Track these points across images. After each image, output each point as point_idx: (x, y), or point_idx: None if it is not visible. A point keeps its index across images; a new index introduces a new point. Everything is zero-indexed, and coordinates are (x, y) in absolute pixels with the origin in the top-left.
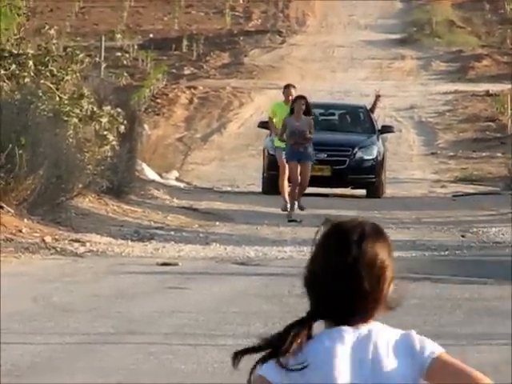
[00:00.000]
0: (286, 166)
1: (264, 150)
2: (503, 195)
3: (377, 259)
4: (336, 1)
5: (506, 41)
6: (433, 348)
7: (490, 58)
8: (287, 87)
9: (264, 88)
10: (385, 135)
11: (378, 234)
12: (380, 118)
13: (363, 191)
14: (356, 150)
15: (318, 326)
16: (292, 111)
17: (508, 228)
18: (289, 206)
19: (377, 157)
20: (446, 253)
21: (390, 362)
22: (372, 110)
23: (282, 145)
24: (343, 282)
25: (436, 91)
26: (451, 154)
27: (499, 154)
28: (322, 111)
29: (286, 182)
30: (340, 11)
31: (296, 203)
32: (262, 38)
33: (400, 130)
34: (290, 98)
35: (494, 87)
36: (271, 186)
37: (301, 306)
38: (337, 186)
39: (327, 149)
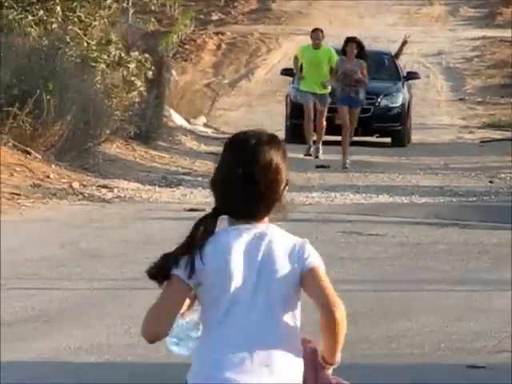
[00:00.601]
0: (311, 110)
1: (287, 98)
2: None
3: (272, 163)
4: None
5: None
6: (314, 260)
7: None
8: (315, 31)
9: (292, 34)
10: (411, 81)
11: (272, 140)
12: (408, 63)
13: (388, 139)
14: (381, 97)
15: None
16: (344, 53)
17: None
18: (312, 149)
19: (402, 104)
20: (474, 199)
21: (279, 261)
22: (397, 55)
23: (308, 88)
24: (241, 184)
25: (464, 37)
26: (479, 99)
27: None
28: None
29: (311, 126)
30: None
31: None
32: None
33: (428, 76)
34: (317, 41)
35: None
36: (295, 134)
37: (327, 250)
38: (362, 134)
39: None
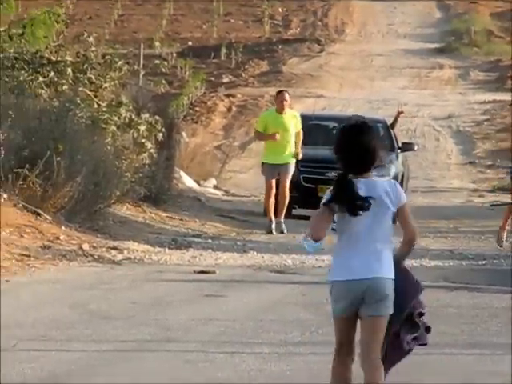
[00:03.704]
0: (273, 188)
1: (263, 166)
2: None
3: (376, 139)
4: (375, 10)
5: None
6: (404, 198)
7: None
8: (280, 93)
9: (302, 96)
10: (411, 151)
11: (372, 127)
12: (418, 126)
13: None
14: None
15: None
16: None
17: None
18: (274, 225)
19: (395, 177)
20: (484, 262)
21: (389, 193)
22: (393, 125)
23: (271, 160)
24: (363, 151)
25: (474, 100)
26: (489, 163)
27: None
28: (335, 125)
29: (272, 202)
30: (378, 20)
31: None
32: (300, 47)
33: (438, 139)
34: (282, 105)
35: None
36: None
37: None
38: None
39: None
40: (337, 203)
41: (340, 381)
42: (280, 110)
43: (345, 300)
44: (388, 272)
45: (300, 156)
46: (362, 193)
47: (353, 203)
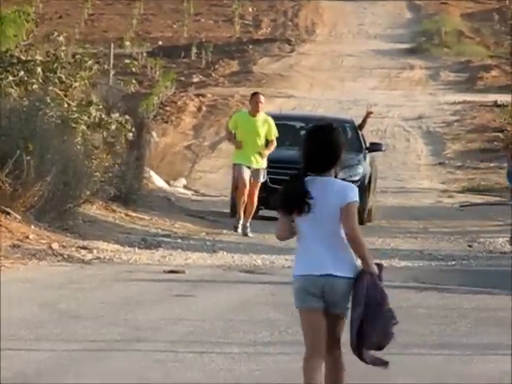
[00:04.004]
0: (246, 184)
1: (234, 167)
2: (510, 205)
3: (339, 141)
4: (345, 10)
5: None
6: (352, 198)
7: (499, 69)
8: (254, 95)
9: (272, 96)
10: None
11: (337, 128)
12: (388, 127)
13: None
14: (338, 169)
15: None
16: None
17: None
18: (240, 224)
19: (362, 179)
20: (453, 263)
21: (337, 192)
22: (361, 126)
23: (243, 161)
24: (322, 151)
25: (444, 101)
26: (459, 164)
27: (506, 165)
28: (302, 125)
29: (244, 201)
30: (349, 20)
31: None
32: (270, 47)
33: (408, 140)
34: (256, 108)
35: (502, 98)
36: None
37: None
38: None
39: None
40: (283, 204)
41: (311, 380)
42: (254, 113)
43: (304, 295)
44: (343, 270)
45: (265, 157)
46: (313, 192)
47: (296, 203)
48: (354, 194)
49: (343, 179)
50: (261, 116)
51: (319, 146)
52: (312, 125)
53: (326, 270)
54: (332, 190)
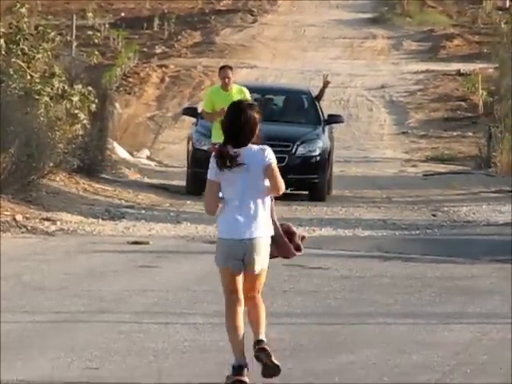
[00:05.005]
0: None
1: (188, 142)
2: (474, 174)
3: (255, 116)
4: None
5: (477, 20)
6: (271, 160)
7: (461, 38)
8: (222, 69)
9: (235, 67)
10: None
11: (254, 105)
12: (351, 97)
13: (306, 192)
14: (297, 144)
15: None
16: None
17: (479, 207)
18: None
19: (322, 153)
20: (417, 232)
21: (258, 155)
22: (319, 98)
23: (221, 139)
24: (240, 126)
25: (407, 70)
26: (422, 133)
27: (470, 134)
28: (258, 96)
29: None
30: None
31: None
32: (233, 17)
33: (371, 109)
34: (227, 81)
35: (465, 67)
36: (197, 184)
37: (270, 283)
38: None
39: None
40: (219, 167)
41: (235, 330)
42: (225, 88)
43: (227, 256)
44: (263, 231)
45: None
46: (239, 159)
47: (229, 158)
48: (272, 156)
49: (302, 155)
50: (234, 89)
51: (235, 122)
52: (236, 100)
53: (250, 234)
54: (255, 156)
